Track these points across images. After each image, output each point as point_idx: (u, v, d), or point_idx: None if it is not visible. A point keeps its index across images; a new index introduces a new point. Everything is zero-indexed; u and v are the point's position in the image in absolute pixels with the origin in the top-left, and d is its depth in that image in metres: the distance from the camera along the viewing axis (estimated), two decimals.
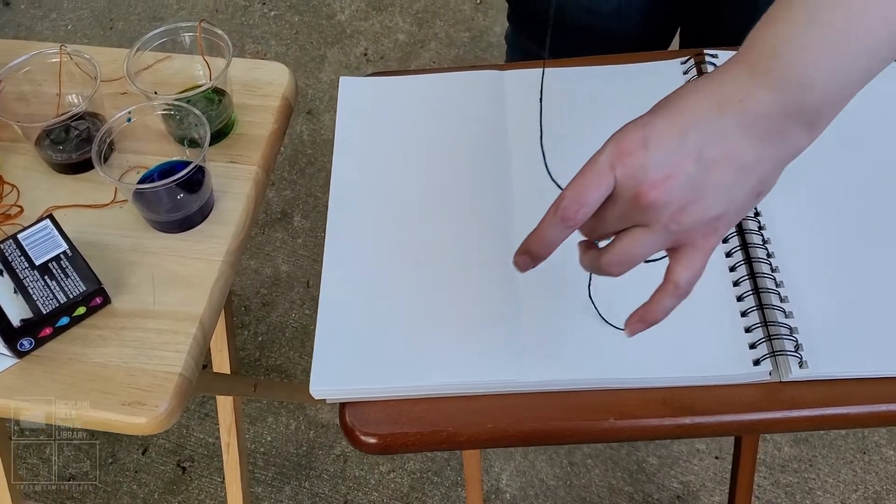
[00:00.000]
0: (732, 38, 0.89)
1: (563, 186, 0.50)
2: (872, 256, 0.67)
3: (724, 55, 0.79)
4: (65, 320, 0.69)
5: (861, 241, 0.68)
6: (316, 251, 1.64)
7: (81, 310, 0.70)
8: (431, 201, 0.72)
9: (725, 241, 0.67)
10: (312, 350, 0.64)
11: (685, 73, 0.79)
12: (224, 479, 1.19)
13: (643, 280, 0.66)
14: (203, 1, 2.08)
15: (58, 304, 0.68)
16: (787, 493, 1.35)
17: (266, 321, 1.57)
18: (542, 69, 0.69)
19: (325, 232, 0.71)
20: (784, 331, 0.62)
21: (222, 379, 1.08)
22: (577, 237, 0.53)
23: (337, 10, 2.05)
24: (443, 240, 0.70)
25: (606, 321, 0.64)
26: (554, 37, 0.96)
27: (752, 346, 0.62)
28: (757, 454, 1.11)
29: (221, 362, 1.07)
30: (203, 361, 0.72)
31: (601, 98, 0.78)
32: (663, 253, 0.68)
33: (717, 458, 1.39)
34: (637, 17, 0.91)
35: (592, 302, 0.65)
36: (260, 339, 1.55)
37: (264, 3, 2.07)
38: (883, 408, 0.61)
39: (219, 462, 1.40)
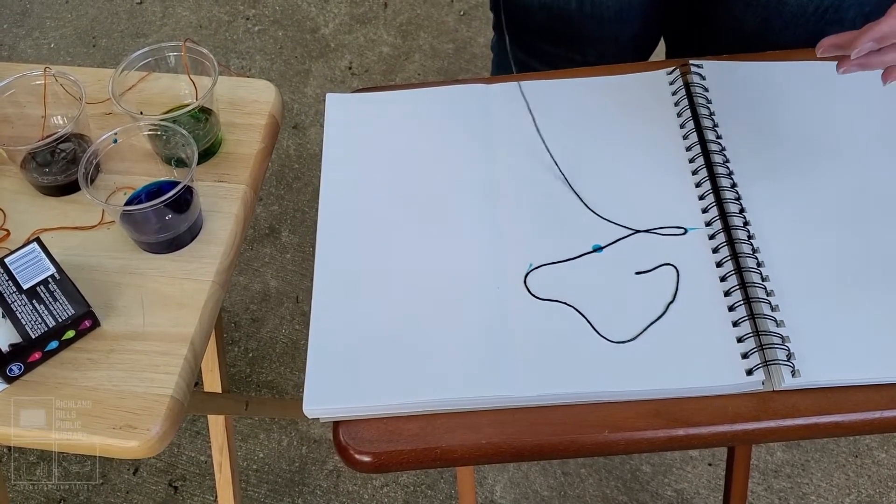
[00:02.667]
0: (722, 39, 0.89)
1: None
2: (861, 262, 0.67)
3: (708, 65, 0.79)
4: (54, 344, 0.69)
5: (850, 248, 0.68)
6: (304, 266, 1.64)
7: (70, 333, 0.69)
8: (421, 217, 0.72)
9: (716, 251, 0.68)
10: (303, 365, 0.64)
11: (671, 83, 0.79)
12: (216, 497, 1.18)
13: (633, 294, 0.66)
14: (186, 17, 2.08)
15: (46, 329, 0.67)
16: (780, 499, 1.36)
17: (256, 337, 1.56)
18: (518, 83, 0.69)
19: (313, 247, 0.70)
20: (776, 340, 0.62)
21: (213, 398, 1.07)
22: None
23: (321, 24, 2.05)
24: (433, 256, 0.70)
25: (599, 333, 0.64)
26: (549, 46, 0.96)
27: (745, 356, 0.62)
28: (750, 460, 1.11)
29: (212, 381, 1.07)
30: (195, 381, 0.71)
31: (590, 110, 0.78)
32: (656, 264, 0.68)
33: (710, 464, 1.39)
34: (637, 19, 0.91)
35: (584, 315, 0.65)
36: (250, 355, 1.54)
37: (248, 19, 2.07)
38: (877, 414, 0.61)
39: (211, 480, 1.39)
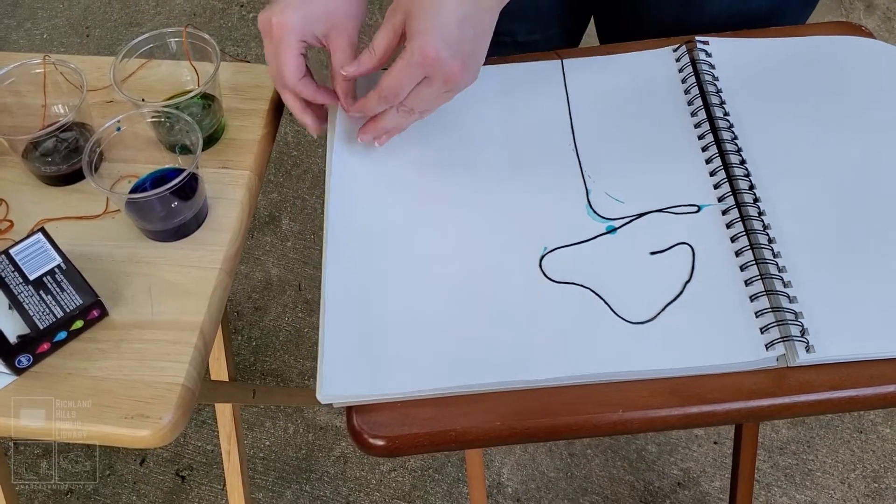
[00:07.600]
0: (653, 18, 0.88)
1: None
2: (873, 236, 0.67)
3: (714, 41, 0.79)
4: (62, 335, 0.68)
5: (861, 222, 0.68)
6: (306, 254, 1.63)
7: (79, 323, 0.68)
8: (432, 204, 0.71)
9: (729, 226, 0.67)
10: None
11: (678, 59, 0.78)
12: (223, 486, 1.18)
13: (650, 274, 0.66)
14: (180, 5, 2.06)
15: (55, 319, 0.67)
16: (786, 475, 1.36)
17: (259, 325, 1.55)
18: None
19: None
20: (789, 316, 0.62)
21: (221, 387, 1.07)
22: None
23: None
24: (446, 241, 0.69)
25: (617, 314, 0.64)
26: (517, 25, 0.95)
27: (761, 332, 0.62)
28: (758, 438, 1.11)
29: (219, 370, 1.06)
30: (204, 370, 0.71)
31: (596, 89, 0.78)
32: (670, 243, 0.68)
33: (715, 443, 1.40)
34: None
35: (599, 295, 0.65)
36: (254, 343, 1.53)
37: (242, 6, 2.05)
38: (891, 388, 0.61)
39: (218, 469, 1.39)
